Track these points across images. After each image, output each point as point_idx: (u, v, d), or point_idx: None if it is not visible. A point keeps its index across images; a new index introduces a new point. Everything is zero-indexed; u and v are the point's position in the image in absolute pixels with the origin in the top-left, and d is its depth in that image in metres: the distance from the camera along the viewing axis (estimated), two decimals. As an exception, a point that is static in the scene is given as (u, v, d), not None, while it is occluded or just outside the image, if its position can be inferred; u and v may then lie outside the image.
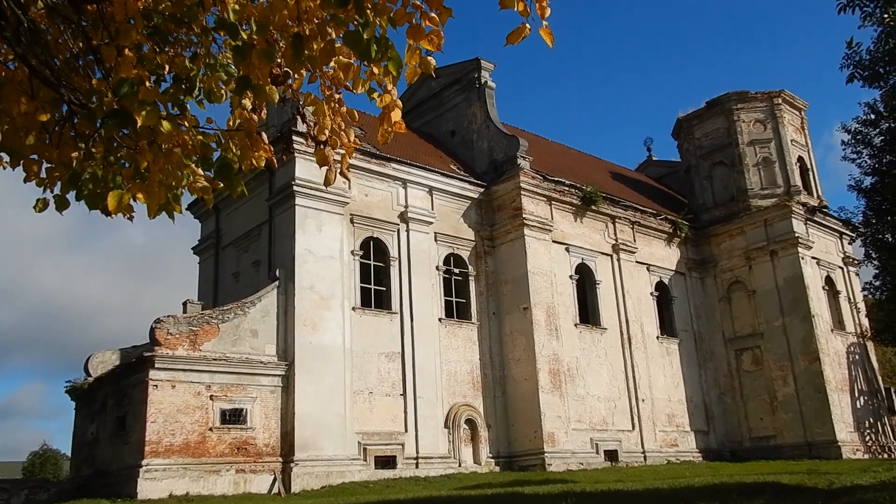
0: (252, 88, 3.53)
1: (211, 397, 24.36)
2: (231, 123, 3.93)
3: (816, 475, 15.90)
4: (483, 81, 36.09)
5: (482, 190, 32.95)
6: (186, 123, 3.64)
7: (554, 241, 32.85)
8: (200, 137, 3.72)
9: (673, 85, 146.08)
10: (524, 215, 31.66)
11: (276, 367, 25.80)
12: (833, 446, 33.91)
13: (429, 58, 3.80)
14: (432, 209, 31.31)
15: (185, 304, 27.91)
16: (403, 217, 30.30)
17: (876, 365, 40.20)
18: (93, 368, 28.89)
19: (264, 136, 4.11)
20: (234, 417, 24.71)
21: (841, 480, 12.53)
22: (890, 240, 8.50)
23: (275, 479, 24.43)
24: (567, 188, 33.81)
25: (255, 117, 3.92)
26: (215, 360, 24.72)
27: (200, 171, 3.83)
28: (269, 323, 26.54)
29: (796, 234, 36.84)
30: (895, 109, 8.27)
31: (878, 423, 38.17)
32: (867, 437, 36.93)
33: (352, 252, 28.51)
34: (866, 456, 35.22)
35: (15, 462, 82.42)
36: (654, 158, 53.26)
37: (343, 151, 4.51)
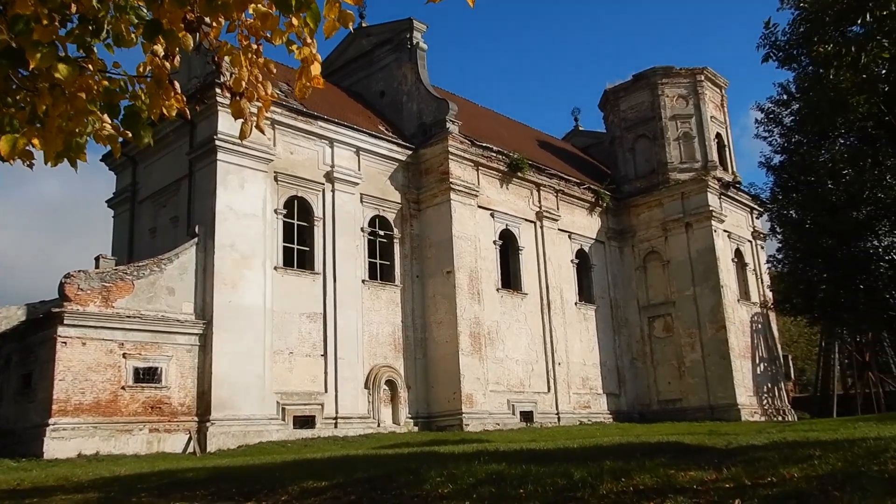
0: (163, 34, 3.38)
1: (124, 355, 23.75)
2: (142, 70, 3.77)
3: (716, 436, 16.81)
4: (415, 42, 35.70)
5: (410, 153, 32.80)
6: (91, 67, 3.46)
7: (479, 207, 33.10)
8: (106, 83, 3.54)
9: (602, 56, 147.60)
10: (451, 180, 31.74)
11: (193, 326, 25.31)
12: (733, 409, 35.83)
13: (348, 12, 3.73)
14: (359, 170, 31.00)
15: (97, 259, 26.91)
16: (329, 177, 29.91)
17: (776, 334, 42.50)
18: (-4, 324, 27.64)
19: (176, 84, 3.96)
20: (148, 376, 24.19)
21: (738, 441, 13.27)
22: (794, 216, 8.96)
23: (190, 439, 24.14)
24: (494, 154, 34.02)
25: (167, 65, 3.76)
26: (129, 317, 24.05)
27: (107, 119, 3.66)
28: (186, 281, 25.93)
29: (711, 208, 38.27)
30: (806, 91, 8.64)
31: (776, 388, 40.51)
32: (764, 401, 39.16)
33: (275, 211, 28.02)
34: (763, 418, 37.39)
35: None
36: (580, 129, 54.09)
37: (260, 104, 4.40)
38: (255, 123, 4.17)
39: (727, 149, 42.92)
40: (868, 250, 8.42)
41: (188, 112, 4.12)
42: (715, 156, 41.02)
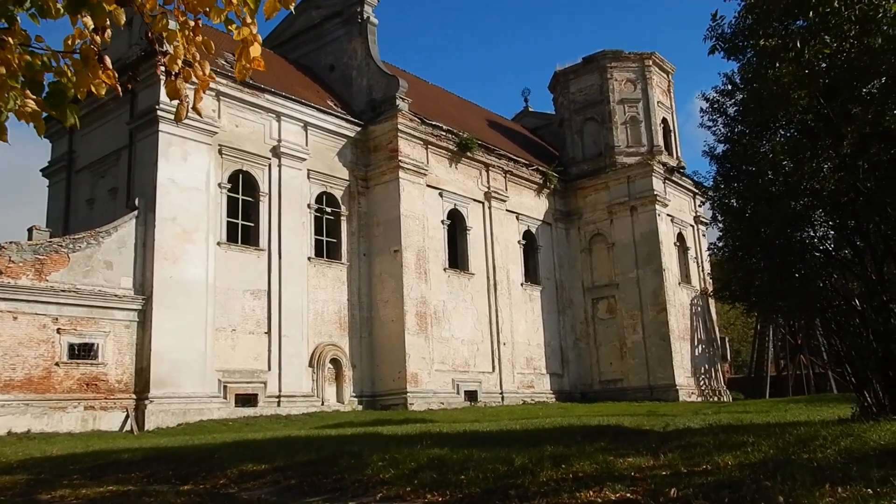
0: (89, 7, 3.17)
1: (58, 331, 23.07)
2: (70, 44, 3.55)
3: (655, 417, 17.25)
4: (365, 17, 35.15)
5: (359, 129, 32.40)
6: (12, 40, 3.23)
7: (428, 186, 32.98)
8: (28, 57, 3.32)
9: (553, 37, 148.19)
10: (400, 158, 31.50)
11: (132, 301, 24.69)
12: (672, 389, 36.81)
13: (290, -9, 3.57)
14: (306, 145, 30.50)
15: (30, 230, 25.95)
16: (276, 151, 29.36)
17: (714, 316, 43.72)
18: (-78, 295, 26.47)
19: (107, 60, 3.74)
20: (83, 352, 23.56)
21: (675, 423, 13.58)
22: (735, 205, 9.15)
23: (127, 417, 23.66)
24: (444, 133, 33.88)
25: (97, 39, 3.54)
26: (64, 291, 23.32)
27: (30, 95, 3.44)
28: (125, 255, 25.23)
29: (655, 192, 38.95)
30: (750, 82, 8.78)
31: (713, 370, 41.74)
32: (702, 382, 40.33)
33: (219, 185, 27.41)
34: (700, 399, 38.51)
35: None
36: (530, 109, 54.25)
37: (197, 84, 4.20)
38: (190, 105, 3.99)
39: (672, 134, 43.65)
40: (804, 240, 8.66)
41: (120, 89, 3.90)
42: (661, 140, 41.69)
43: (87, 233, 25.09)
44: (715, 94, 9.75)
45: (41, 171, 33.30)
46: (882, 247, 8.33)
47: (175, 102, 4.15)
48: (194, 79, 4.04)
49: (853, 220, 8.45)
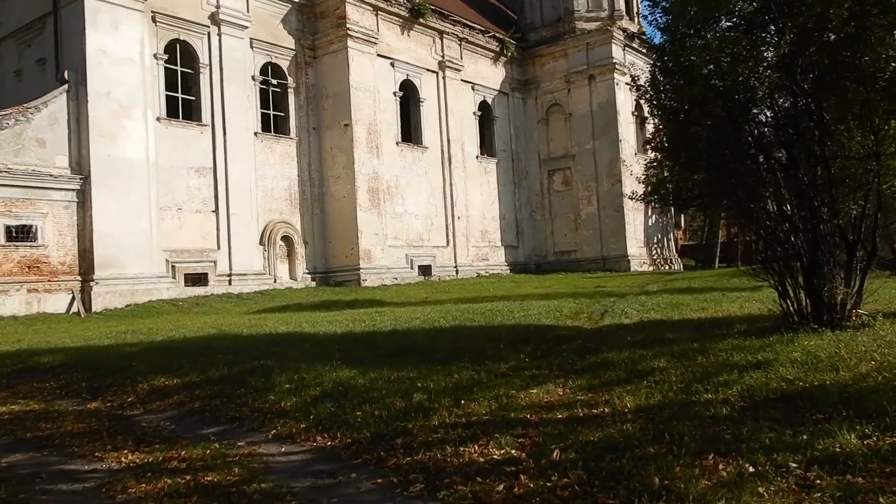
0: None
1: (-8, 213, 22.25)
2: None
3: (598, 297, 17.43)
4: None
5: (304, -7, 30.40)
6: None
7: (379, 55, 31.53)
8: None
9: None
10: (348, 25, 29.83)
11: (69, 181, 23.81)
12: (624, 260, 37.51)
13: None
14: (248, 11, 28.62)
15: (-48, 106, 24.41)
16: (214, 18, 27.52)
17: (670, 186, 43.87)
18: None
19: None
20: (21, 234, 22.92)
21: (613, 309, 13.74)
22: (670, 103, 8.70)
23: (73, 299, 23.38)
24: (395, -2, 32.02)
25: None
26: (-5, 171, 22.30)
27: None
28: (58, 132, 24.05)
29: (614, 60, 37.83)
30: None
31: (665, 239, 42.48)
32: (654, 252, 41.12)
33: (154, 55, 25.82)
34: (651, 268, 39.37)
35: None
36: (490, -31, 51.34)
37: None
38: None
39: (643, -4, 41.86)
40: (740, 141, 8.30)
41: None
42: (622, 5, 40.06)
43: (15, 108, 23.71)
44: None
45: (-38, 38, 30.93)
46: (818, 151, 8.02)
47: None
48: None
49: (790, 123, 8.09)
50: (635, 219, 39.38)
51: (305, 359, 7.89)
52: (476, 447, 4.76)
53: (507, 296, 20.97)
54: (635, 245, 38.97)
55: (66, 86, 24.16)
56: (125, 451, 5.65)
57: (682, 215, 46.91)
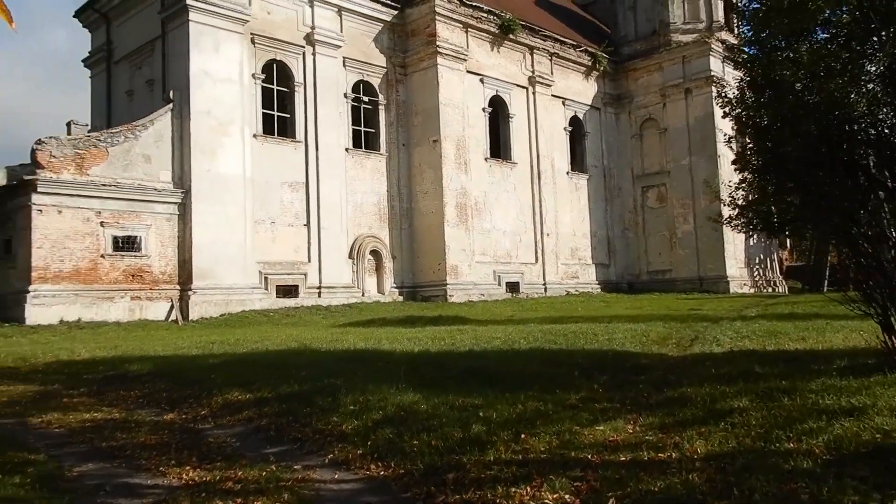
0: None
1: (102, 224, 23.59)
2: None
3: (691, 321, 16.69)
4: None
5: (396, 13, 30.90)
6: None
7: (468, 72, 31.63)
8: None
9: None
10: (438, 42, 30.10)
11: (171, 195, 24.93)
12: (722, 281, 35.90)
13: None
14: (341, 31, 29.34)
15: (68, 125, 26.18)
16: (309, 39, 28.35)
17: (760, 209, 41.78)
18: (-24, 187, 27.29)
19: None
20: (127, 244, 24.12)
21: (704, 336, 13.10)
22: (758, 121, 8.19)
23: (172, 307, 24.39)
24: (485, 15, 32.07)
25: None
26: (105, 185, 23.65)
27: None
28: (163, 148, 25.27)
29: (712, 73, 36.51)
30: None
31: (768, 259, 40.47)
32: (755, 273, 39.21)
33: (253, 75, 26.80)
34: (752, 290, 37.54)
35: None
36: (583, -17, 50.77)
37: None
38: None
39: (734, 6, 40.36)
40: (835, 161, 7.72)
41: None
42: (721, 15, 38.65)
43: (125, 126, 25.10)
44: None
45: (83, 61, 33.14)
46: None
47: None
48: None
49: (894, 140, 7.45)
50: (735, 238, 37.72)
51: (375, 378, 7.85)
52: (528, 489, 4.52)
53: (595, 317, 20.43)
54: (735, 265, 37.23)
55: (170, 105, 25.40)
56: (187, 468, 5.74)
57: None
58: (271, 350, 11.43)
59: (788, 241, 44.85)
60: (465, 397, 6.88)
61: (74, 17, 32.40)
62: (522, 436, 5.61)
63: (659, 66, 38.31)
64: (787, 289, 39.98)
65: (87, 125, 27.81)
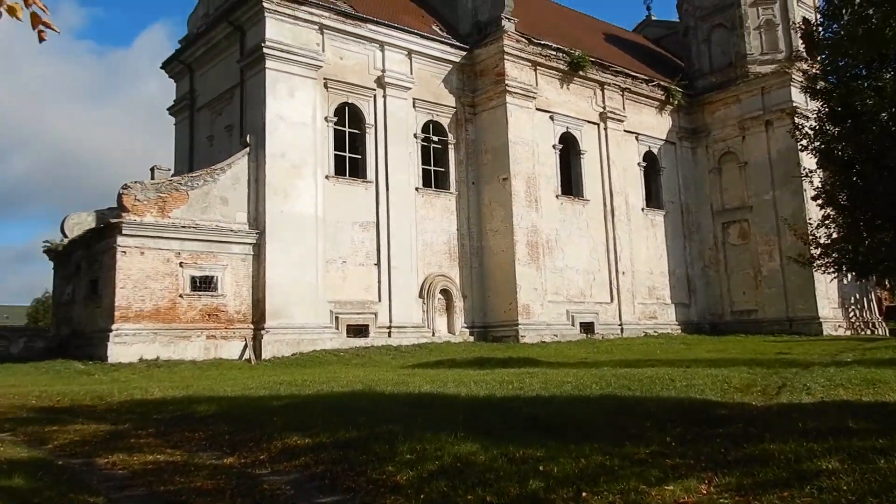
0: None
1: (181, 264, 24.26)
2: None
3: (779, 367, 15.72)
4: (471, -69, 33.25)
5: (465, 53, 31.22)
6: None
7: (538, 109, 31.52)
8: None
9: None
10: (507, 81, 30.17)
11: (246, 236, 25.52)
12: (814, 323, 33.93)
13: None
14: (411, 73, 29.79)
15: (152, 169, 27.22)
16: (380, 82, 28.88)
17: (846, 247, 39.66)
18: (69, 230, 28.76)
19: None
20: (204, 284, 24.73)
21: (793, 383, 12.32)
22: (840, 154, 7.67)
23: (245, 346, 24.77)
24: (554, 52, 32.01)
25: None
26: (185, 227, 24.42)
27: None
28: (239, 190, 25.98)
29: (794, 104, 35.22)
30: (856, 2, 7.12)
31: (864, 299, 38.08)
32: (851, 313, 36.94)
33: (325, 118, 27.42)
34: (848, 332, 35.31)
35: (22, 306, 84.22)
36: (653, 18, 50.32)
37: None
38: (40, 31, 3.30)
39: (815, 35, 39.00)
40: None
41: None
42: (800, 44, 37.40)
43: (204, 170, 25.98)
44: (823, 9, 8.03)
45: (168, 109, 34.67)
46: None
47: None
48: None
49: None
50: (827, 276, 35.76)
51: (434, 425, 7.58)
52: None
53: (674, 360, 19.60)
54: (828, 306, 35.16)
55: (247, 149, 26.18)
56: (239, 516, 5.60)
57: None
58: (335, 392, 11.34)
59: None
60: (526, 448, 6.54)
61: (161, 68, 34.02)
62: (584, 494, 5.23)
63: (736, 98, 37.30)
64: (887, 331, 37.43)
65: (169, 169, 28.91)
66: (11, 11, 3.17)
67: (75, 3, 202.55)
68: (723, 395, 10.49)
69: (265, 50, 25.95)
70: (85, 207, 31.26)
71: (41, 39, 3.41)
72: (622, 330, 33.00)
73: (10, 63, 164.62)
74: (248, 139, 26.30)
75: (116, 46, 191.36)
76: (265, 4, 25.96)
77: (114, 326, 22.62)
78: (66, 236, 28.64)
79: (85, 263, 26.51)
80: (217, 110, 30.45)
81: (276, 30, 26.38)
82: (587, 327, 31.87)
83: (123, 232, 23.22)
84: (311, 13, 27.07)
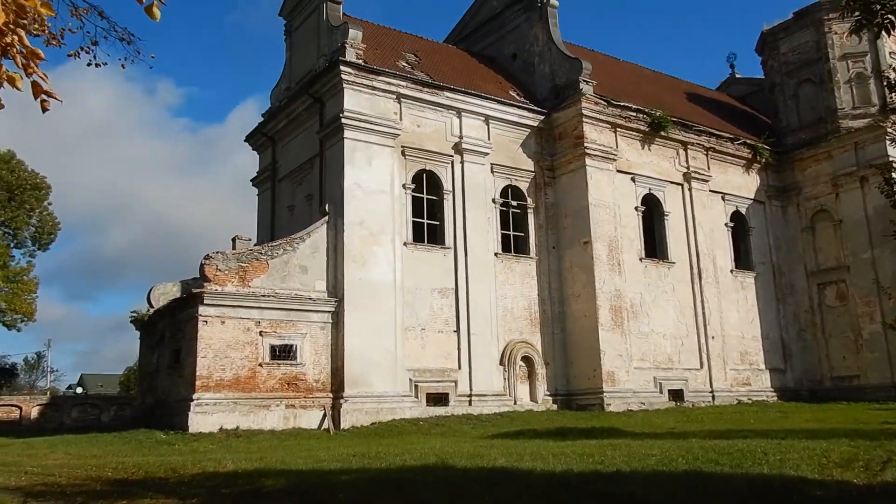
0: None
1: (261, 333, 24.40)
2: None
3: (883, 439, 14.35)
4: (545, 0, 33.64)
5: (542, 118, 31.11)
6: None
7: (619, 171, 30.90)
8: None
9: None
10: (586, 144, 29.78)
11: (325, 304, 25.55)
12: (924, 388, 31.43)
13: None
14: (488, 139, 29.83)
15: (234, 239, 27.87)
16: (458, 148, 29.00)
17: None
18: (155, 300, 29.55)
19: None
20: (283, 353, 24.74)
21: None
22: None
23: (324, 415, 24.47)
24: (634, 114, 31.52)
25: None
26: (264, 296, 24.63)
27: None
28: (318, 259, 26.19)
29: (890, 158, 33.33)
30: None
31: (978, 363, 35.08)
32: (966, 377, 34.02)
33: (403, 186, 27.59)
34: (965, 397, 32.45)
35: (115, 375, 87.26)
36: (737, 76, 49.30)
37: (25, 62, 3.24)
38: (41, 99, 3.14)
39: (906, 88, 37.23)
40: None
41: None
42: (894, 97, 35.65)
43: (284, 240, 26.38)
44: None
45: (251, 180, 35.82)
46: None
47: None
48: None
49: None
50: (936, 338, 33.25)
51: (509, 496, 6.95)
52: None
53: (768, 430, 18.21)
54: (938, 370, 32.60)
55: (326, 217, 26.50)
56: None
57: None
58: (406, 466, 10.80)
59: None
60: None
61: (245, 140, 35.33)
62: None
63: (828, 154, 35.69)
64: None
65: (251, 239, 29.58)
66: (11, 81, 3.03)
67: (172, 83, 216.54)
68: (820, 471, 9.43)
69: (343, 120, 26.49)
70: (173, 278, 32.32)
71: (44, 109, 3.25)
72: (713, 397, 31.19)
73: (112, 141, 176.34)
74: (326, 208, 26.65)
75: (210, 123, 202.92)
76: (343, 76, 26.63)
77: (195, 396, 22.74)
78: (151, 306, 29.45)
79: (169, 333, 27.07)
80: (297, 180, 31.18)
81: (355, 100, 26.95)
82: (676, 395, 30.25)
83: (205, 301, 23.57)
84: (388, 83, 27.61)
